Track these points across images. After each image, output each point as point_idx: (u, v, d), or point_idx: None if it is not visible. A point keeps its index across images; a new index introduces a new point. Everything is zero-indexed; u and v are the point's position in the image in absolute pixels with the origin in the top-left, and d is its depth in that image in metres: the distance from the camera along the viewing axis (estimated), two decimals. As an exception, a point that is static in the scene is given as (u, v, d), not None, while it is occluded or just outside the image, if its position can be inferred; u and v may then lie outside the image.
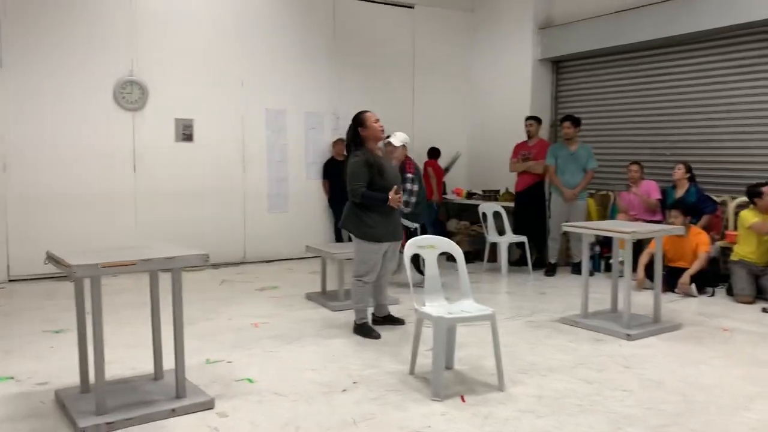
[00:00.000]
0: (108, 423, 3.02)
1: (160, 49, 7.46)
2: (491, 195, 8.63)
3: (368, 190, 4.66)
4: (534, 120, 7.88)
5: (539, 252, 7.86)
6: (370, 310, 5.05)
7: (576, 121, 7.39)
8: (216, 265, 7.73)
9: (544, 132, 8.38)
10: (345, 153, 5.14)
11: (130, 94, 7.28)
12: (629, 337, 4.68)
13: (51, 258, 3.16)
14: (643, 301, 5.70)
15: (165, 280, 3.38)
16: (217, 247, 7.43)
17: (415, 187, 6.29)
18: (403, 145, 6.20)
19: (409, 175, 6.25)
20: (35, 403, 3.40)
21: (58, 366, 3.98)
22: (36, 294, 6.23)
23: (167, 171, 7.58)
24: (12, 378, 3.82)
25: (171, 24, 7.53)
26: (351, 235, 4.88)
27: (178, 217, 7.61)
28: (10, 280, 6.81)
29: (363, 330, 4.82)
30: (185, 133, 7.68)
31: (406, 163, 6.29)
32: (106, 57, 7.16)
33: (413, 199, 6.28)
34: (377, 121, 4.76)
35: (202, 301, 5.84)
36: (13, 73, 6.72)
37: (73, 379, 3.61)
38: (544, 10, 8.82)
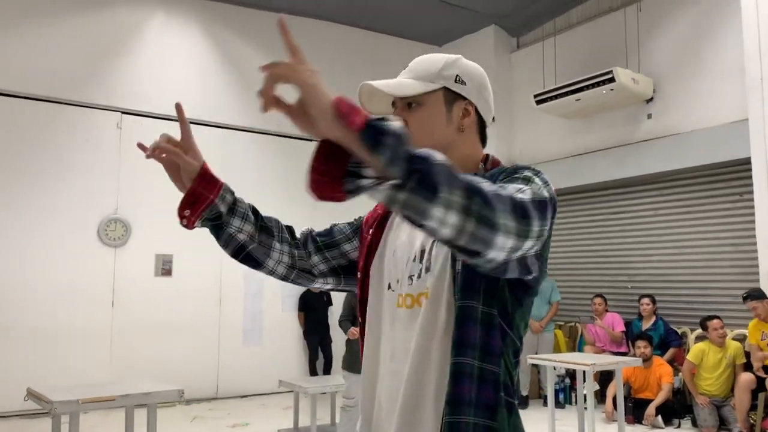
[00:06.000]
0: None
1: (144, 189, 7.84)
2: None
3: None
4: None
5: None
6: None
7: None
8: (188, 401, 7.67)
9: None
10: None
11: (114, 231, 7.57)
12: (596, 470, 4.77)
13: (32, 394, 3.28)
14: (610, 433, 5.80)
15: (138, 416, 3.49)
16: (190, 382, 7.37)
17: None
18: None
19: None
20: None
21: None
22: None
23: (145, 306, 7.71)
24: None
25: (155, 163, 7.97)
26: None
27: (153, 352, 7.64)
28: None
29: None
30: (164, 268, 7.92)
31: None
32: (93, 197, 7.53)
33: None
34: None
35: (172, 438, 5.81)
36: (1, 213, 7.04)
37: None
38: (506, 153, 9.50)
